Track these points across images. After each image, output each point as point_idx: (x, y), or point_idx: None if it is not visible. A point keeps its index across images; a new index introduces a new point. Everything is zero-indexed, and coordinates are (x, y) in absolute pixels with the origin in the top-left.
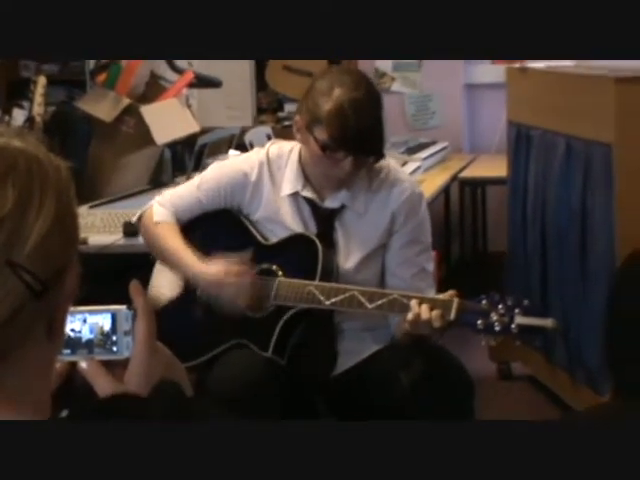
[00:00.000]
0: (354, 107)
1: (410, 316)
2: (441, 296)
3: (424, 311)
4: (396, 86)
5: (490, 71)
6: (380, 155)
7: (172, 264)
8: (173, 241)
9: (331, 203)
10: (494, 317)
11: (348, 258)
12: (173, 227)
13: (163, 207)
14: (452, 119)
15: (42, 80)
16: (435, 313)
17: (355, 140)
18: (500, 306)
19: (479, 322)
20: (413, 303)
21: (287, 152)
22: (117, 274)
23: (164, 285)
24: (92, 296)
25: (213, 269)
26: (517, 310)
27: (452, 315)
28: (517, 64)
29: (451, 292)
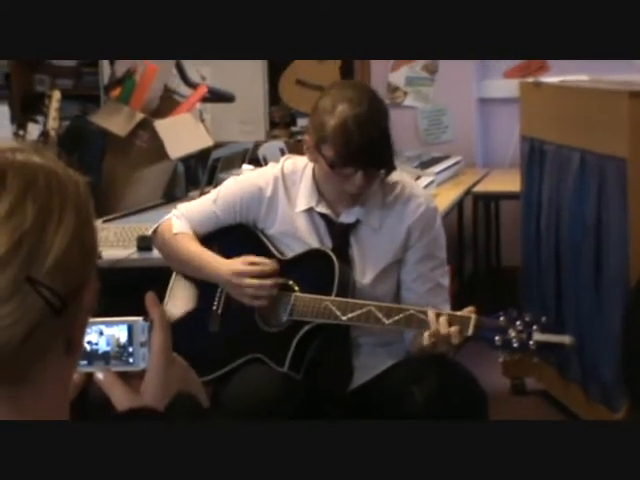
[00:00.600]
0: (357, 122)
1: (429, 333)
2: (459, 312)
3: (443, 327)
4: (409, 100)
5: (503, 85)
6: (390, 167)
7: (194, 268)
8: (195, 247)
9: (346, 218)
10: (512, 334)
11: (364, 273)
12: (192, 237)
13: (179, 220)
14: (465, 133)
15: (57, 94)
16: (453, 329)
17: (361, 155)
18: (518, 322)
19: (497, 338)
20: (432, 319)
21: (301, 168)
22: (131, 288)
23: (180, 299)
24: (106, 310)
25: (237, 262)
26: (535, 327)
27: (470, 331)
28: (530, 78)
29: (470, 308)
